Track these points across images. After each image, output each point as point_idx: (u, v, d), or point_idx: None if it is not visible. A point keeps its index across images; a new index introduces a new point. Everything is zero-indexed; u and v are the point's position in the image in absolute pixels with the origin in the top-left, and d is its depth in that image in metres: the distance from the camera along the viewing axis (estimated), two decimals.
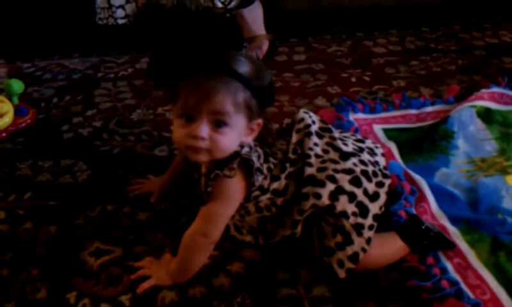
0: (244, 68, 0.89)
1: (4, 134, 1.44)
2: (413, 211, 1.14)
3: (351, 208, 0.98)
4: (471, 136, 1.40)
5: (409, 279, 1.00)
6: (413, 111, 1.54)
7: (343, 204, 0.98)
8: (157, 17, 1.51)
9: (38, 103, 1.63)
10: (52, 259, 1.07)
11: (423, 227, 1.05)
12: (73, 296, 0.99)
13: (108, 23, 1.57)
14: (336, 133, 1.08)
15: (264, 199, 1.00)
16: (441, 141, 1.37)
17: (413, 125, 1.49)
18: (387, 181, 1.04)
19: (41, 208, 1.21)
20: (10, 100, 1.51)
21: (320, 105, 1.60)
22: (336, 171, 0.99)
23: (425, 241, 1.04)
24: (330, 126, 1.09)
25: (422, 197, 1.18)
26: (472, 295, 0.96)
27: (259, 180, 0.98)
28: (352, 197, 0.98)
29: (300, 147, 1.03)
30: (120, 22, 1.56)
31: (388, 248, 1.03)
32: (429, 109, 1.55)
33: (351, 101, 1.56)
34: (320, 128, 1.07)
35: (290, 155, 1.02)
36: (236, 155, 0.94)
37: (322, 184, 0.98)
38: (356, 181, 0.99)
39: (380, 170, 1.05)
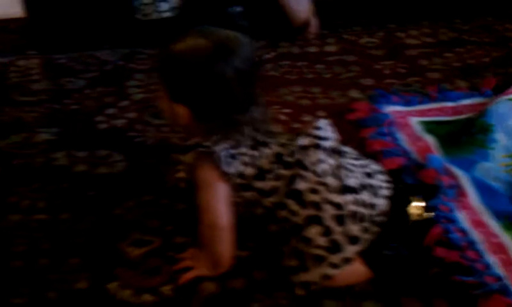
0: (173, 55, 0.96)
1: None
2: (454, 205, 1.13)
3: (320, 240, 0.94)
4: (511, 130, 1.37)
5: (453, 275, 0.98)
6: (450, 104, 1.51)
7: (313, 233, 0.94)
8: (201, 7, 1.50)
9: (71, 94, 1.64)
10: (92, 250, 1.08)
11: (385, 252, 0.98)
12: (114, 286, 0.99)
13: (153, 17, 1.56)
14: (347, 159, 1.01)
15: (249, 195, 0.98)
16: (478, 135, 1.35)
17: (450, 117, 1.47)
18: (374, 229, 0.97)
19: (79, 198, 1.21)
20: None
21: (354, 97, 1.59)
22: (325, 200, 0.95)
23: (388, 266, 0.99)
24: (343, 150, 1.03)
25: (462, 192, 1.16)
26: None
27: (235, 165, 0.95)
28: (327, 232, 0.94)
29: (300, 153, 0.98)
30: (165, 15, 1.55)
31: (348, 271, 0.96)
32: (466, 101, 1.52)
33: (385, 93, 1.54)
34: (332, 148, 1.00)
35: (286, 157, 0.98)
36: (195, 146, 0.96)
37: (303, 205, 0.95)
38: (339, 219, 0.94)
39: (371, 215, 0.97)
